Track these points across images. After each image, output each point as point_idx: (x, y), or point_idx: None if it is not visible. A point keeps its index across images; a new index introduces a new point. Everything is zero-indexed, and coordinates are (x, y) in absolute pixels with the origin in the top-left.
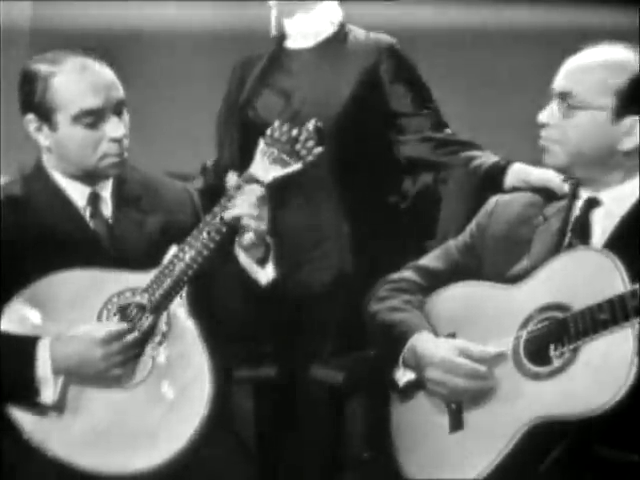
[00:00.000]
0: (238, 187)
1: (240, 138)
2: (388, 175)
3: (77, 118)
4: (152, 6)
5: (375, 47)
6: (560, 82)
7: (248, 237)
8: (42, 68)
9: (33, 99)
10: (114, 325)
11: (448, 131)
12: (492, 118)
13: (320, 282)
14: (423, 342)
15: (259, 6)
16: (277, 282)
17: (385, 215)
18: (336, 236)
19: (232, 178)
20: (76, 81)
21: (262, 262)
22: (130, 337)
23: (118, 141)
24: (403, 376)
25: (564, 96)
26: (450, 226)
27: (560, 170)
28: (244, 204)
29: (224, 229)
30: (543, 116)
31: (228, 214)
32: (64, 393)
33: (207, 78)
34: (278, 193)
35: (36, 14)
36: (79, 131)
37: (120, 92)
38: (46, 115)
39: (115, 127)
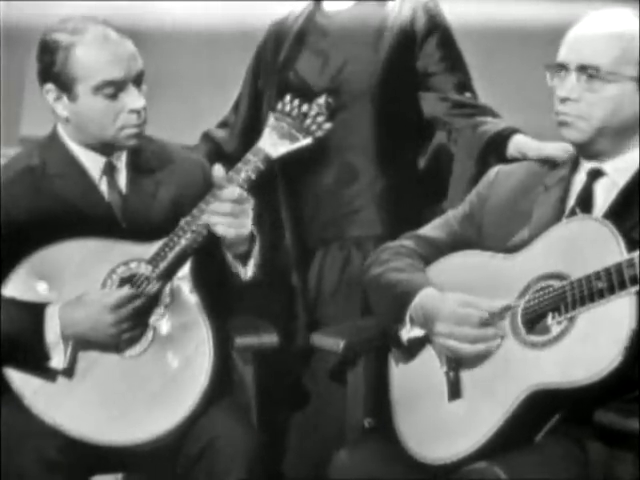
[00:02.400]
0: (219, 187)
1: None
2: (420, 134)
3: (98, 89)
4: (152, 4)
5: (411, 5)
6: (578, 54)
7: (227, 241)
8: (63, 38)
9: (53, 69)
10: (124, 291)
11: (468, 95)
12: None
13: (355, 239)
14: (430, 298)
15: (259, 5)
16: (256, 281)
17: (416, 173)
18: (371, 193)
19: (219, 170)
20: (98, 52)
21: (244, 258)
22: (139, 302)
23: (138, 112)
24: (408, 333)
25: (587, 69)
26: (459, 188)
27: (579, 145)
28: (219, 215)
29: None
30: (563, 91)
31: (235, 180)
32: (74, 358)
33: (208, 77)
34: (311, 151)
35: (33, 13)
36: (99, 102)
37: (140, 63)
38: (66, 85)
39: (135, 98)
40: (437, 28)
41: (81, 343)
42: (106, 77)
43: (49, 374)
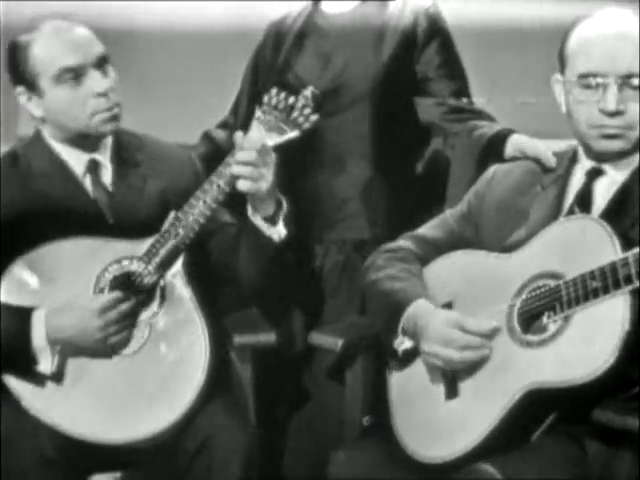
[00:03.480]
0: (240, 148)
1: None
2: (419, 138)
3: (58, 78)
4: (151, 4)
5: (413, 8)
6: (614, 65)
7: (244, 189)
8: (21, 38)
9: (18, 70)
10: (109, 295)
11: (465, 100)
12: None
13: (353, 242)
14: (421, 312)
15: (257, 5)
16: (290, 241)
17: (415, 177)
18: (369, 195)
19: (240, 136)
20: (52, 43)
21: (272, 220)
22: (126, 305)
23: (105, 95)
24: (402, 344)
25: (632, 78)
26: (457, 192)
27: (617, 154)
28: (240, 165)
29: (221, 197)
30: (610, 104)
31: (227, 182)
32: (62, 363)
33: (206, 76)
34: (310, 152)
35: (32, 12)
36: (63, 91)
37: (99, 48)
38: (32, 83)
39: (98, 82)
40: (438, 34)
41: (69, 349)
42: (62, 65)
43: (38, 379)
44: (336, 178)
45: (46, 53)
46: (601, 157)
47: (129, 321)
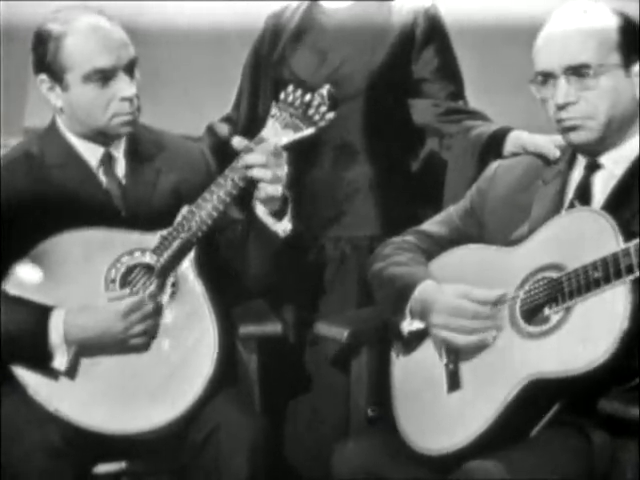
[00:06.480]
0: (249, 149)
1: (274, 95)
2: (413, 137)
3: (88, 77)
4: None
5: (412, 8)
6: (559, 58)
7: (263, 193)
8: (54, 28)
9: (45, 59)
10: (134, 297)
11: (461, 103)
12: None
13: (348, 238)
14: (429, 290)
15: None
16: (295, 235)
17: (409, 175)
18: (363, 193)
19: (238, 141)
20: (87, 40)
21: (279, 215)
22: (149, 307)
23: (129, 100)
24: (409, 325)
25: (576, 69)
26: (455, 192)
27: (591, 144)
28: (259, 167)
29: (235, 191)
30: (559, 98)
31: (241, 177)
32: (76, 359)
33: (210, 71)
34: (309, 148)
35: (36, 5)
36: (90, 90)
37: (131, 51)
38: (58, 75)
39: (126, 86)
40: (437, 35)
41: (88, 347)
42: (95, 65)
43: (51, 374)
44: (330, 175)
45: (80, 49)
46: (579, 149)
47: (152, 322)
